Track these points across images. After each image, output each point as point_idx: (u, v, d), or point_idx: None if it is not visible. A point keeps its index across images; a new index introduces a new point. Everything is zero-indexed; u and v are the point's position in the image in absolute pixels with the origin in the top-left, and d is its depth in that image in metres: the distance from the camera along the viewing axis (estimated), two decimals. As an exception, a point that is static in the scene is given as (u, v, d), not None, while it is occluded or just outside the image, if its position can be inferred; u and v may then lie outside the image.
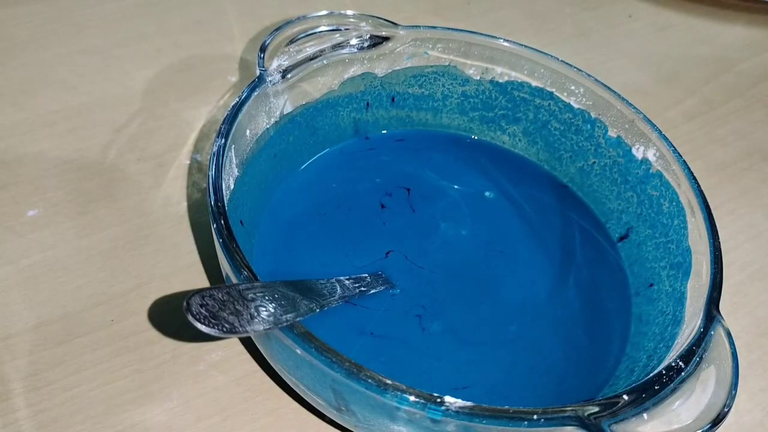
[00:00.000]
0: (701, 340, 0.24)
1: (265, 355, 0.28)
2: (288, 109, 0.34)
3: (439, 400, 0.21)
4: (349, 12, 0.34)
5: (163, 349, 0.30)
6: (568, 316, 0.32)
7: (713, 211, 0.29)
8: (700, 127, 0.47)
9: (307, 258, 0.32)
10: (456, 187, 0.37)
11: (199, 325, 0.20)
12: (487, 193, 0.37)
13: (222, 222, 0.25)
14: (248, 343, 0.31)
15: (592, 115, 0.35)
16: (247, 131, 0.31)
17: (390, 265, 0.32)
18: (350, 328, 0.29)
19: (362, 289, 0.30)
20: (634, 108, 0.33)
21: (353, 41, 0.34)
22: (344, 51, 0.34)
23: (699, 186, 0.30)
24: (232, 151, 0.29)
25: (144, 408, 0.29)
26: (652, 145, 0.33)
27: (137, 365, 0.30)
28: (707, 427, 0.22)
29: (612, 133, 0.35)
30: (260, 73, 0.31)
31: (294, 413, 0.29)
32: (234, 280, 0.25)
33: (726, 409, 0.22)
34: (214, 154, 0.27)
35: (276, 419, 0.29)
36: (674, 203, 0.31)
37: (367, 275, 0.31)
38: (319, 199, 0.35)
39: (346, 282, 0.29)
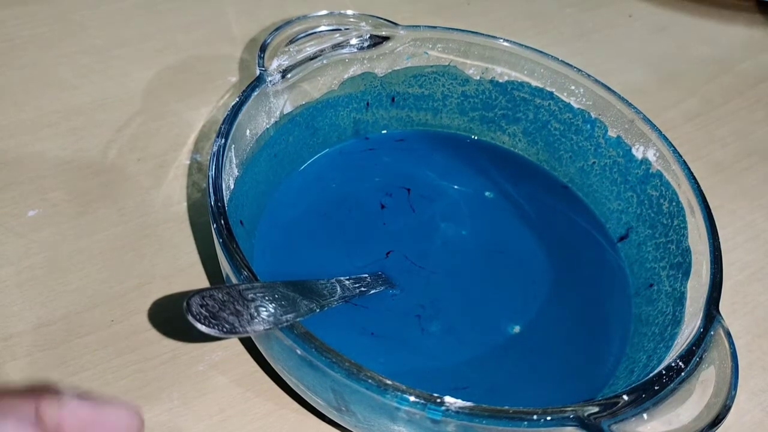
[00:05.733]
0: (701, 340, 0.24)
1: (265, 356, 0.28)
2: (288, 109, 0.34)
3: (439, 400, 0.21)
4: (349, 12, 0.34)
5: (164, 349, 0.30)
6: (568, 316, 0.32)
7: (713, 211, 0.29)
8: (700, 127, 0.47)
9: (307, 258, 0.32)
10: (456, 187, 0.37)
11: (199, 326, 0.20)
12: (487, 193, 0.37)
13: (222, 222, 0.25)
14: (248, 344, 0.31)
15: (592, 115, 0.35)
16: (247, 131, 0.31)
17: (390, 266, 0.32)
18: (350, 328, 0.29)
19: (362, 289, 0.30)
20: (634, 108, 0.34)
21: (353, 41, 0.34)
22: (344, 51, 0.34)
23: (699, 186, 0.30)
24: (232, 151, 0.29)
25: (144, 408, 0.29)
26: (652, 145, 0.33)
27: (138, 365, 0.30)
28: (707, 427, 0.22)
29: (612, 133, 0.35)
30: (260, 73, 0.31)
31: (294, 413, 0.29)
32: (234, 280, 0.25)
33: (726, 409, 0.22)
34: (214, 154, 0.27)
35: (276, 419, 0.29)
36: (674, 203, 0.31)
37: (367, 275, 0.31)
38: (319, 199, 0.35)
39: (346, 282, 0.29)
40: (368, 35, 0.34)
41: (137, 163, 0.38)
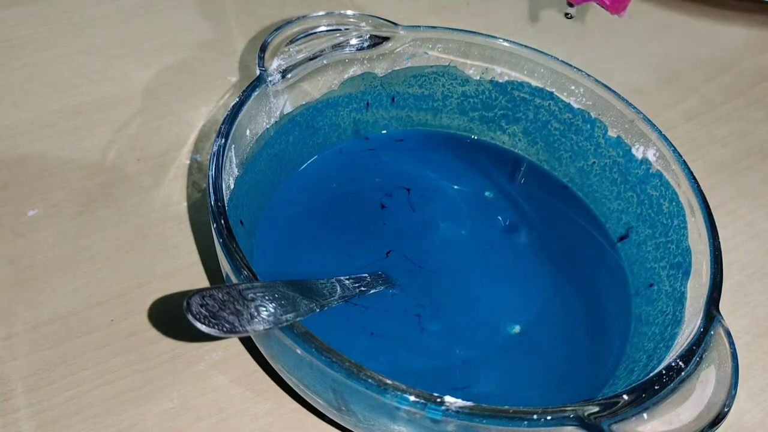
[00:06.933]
0: (701, 340, 0.24)
1: (265, 355, 0.28)
2: (288, 109, 0.34)
3: (439, 400, 0.21)
4: (349, 12, 0.34)
5: (163, 349, 0.30)
6: (568, 315, 0.32)
7: (713, 211, 0.29)
8: (700, 127, 0.47)
9: (307, 258, 0.32)
10: (456, 187, 0.37)
11: (199, 325, 0.20)
12: (487, 193, 0.37)
13: (222, 222, 0.25)
14: (248, 343, 0.31)
15: (592, 115, 0.35)
16: (247, 131, 0.31)
17: (390, 265, 0.32)
18: (350, 328, 0.29)
19: (362, 288, 0.30)
20: (634, 108, 0.34)
21: (353, 41, 0.34)
22: (344, 51, 0.34)
23: (699, 186, 0.30)
24: (232, 151, 0.29)
25: (144, 408, 0.29)
26: (652, 145, 0.33)
27: (137, 365, 0.30)
28: (707, 427, 0.22)
29: (612, 133, 0.35)
30: (260, 73, 0.31)
31: (294, 413, 0.29)
32: (234, 280, 0.25)
33: (726, 409, 0.22)
34: (214, 154, 0.27)
35: (276, 419, 0.29)
36: (674, 203, 0.31)
37: (367, 275, 0.31)
38: (319, 199, 0.35)
39: (346, 282, 0.29)
40: (368, 35, 0.34)
41: (137, 163, 0.38)
